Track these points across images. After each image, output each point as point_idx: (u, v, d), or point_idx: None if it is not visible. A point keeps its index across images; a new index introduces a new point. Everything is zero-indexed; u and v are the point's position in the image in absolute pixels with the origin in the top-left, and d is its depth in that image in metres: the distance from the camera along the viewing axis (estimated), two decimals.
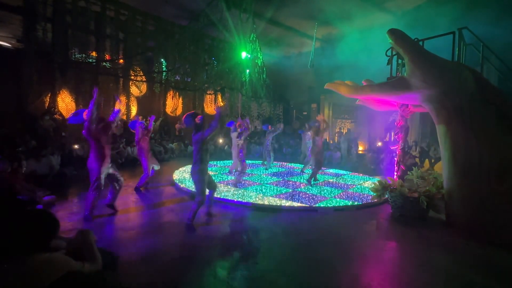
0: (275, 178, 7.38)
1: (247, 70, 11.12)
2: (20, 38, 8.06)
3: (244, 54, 10.54)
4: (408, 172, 5.21)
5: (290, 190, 6.06)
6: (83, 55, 8.98)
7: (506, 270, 3.11)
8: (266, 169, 8.69)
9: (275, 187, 6.30)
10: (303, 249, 3.47)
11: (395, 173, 5.28)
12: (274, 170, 8.68)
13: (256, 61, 10.79)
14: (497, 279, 2.92)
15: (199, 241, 3.56)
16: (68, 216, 4.17)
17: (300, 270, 2.95)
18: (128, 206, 4.77)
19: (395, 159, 5.37)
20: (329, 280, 2.77)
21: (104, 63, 9.86)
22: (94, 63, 9.55)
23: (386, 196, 4.95)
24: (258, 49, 10.61)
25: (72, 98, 9.50)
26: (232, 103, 12.77)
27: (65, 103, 9.53)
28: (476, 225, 3.79)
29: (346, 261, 3.17)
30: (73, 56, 8.87)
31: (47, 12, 8.04)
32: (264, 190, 5.95)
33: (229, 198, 5.22)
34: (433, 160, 8.64)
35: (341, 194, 5.92)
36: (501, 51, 4.83)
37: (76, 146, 7.96)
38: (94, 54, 9.50)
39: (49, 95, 9.10)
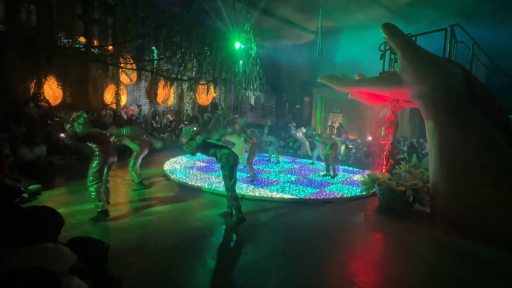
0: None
1: (241, 61, 10.96)
2: (2, 20, 7.64)
3: (237, 45, 10.36)
4: (396, 166, 5.33)
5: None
6: (70, 41, 8.60)
7: (486, 261, 3.25)
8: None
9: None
10: (292, 240, 3.54)
11: (384, 167, 5.39)
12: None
13: (250, 51, 10.64)
14: (477, 269, 3.06)
15: (189, 231, 3.57)
16: (54, 206, 4.08)
17: (289, 260, 3.00)
18: (118, 197, 4.71)
19: (384, 153, 5.47)
20: (317, 269, 2.84)
21: (92, 49, 9.49)
22: (82, 49, 9.18)
23: (375, 189, 5.06)
24: (252, 40, 10.46)
25: (59, 85, 9.16)
26: (224, 95, 12.62)
27: (53, 90, 9.17)
28: (459, 217, 3.92)
29: (334, 251, 3.25)
30: (59, 41, 8.49)
31: None
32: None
33: (220, 189, 5.22)
34: (420, 155, 8.85)
35: (331, 186, 6.03)
36: (490, 49, 4.91)
37: (63, 135, 7.72)
38: (82, 39, 9.12)
39: (34, 81, 8.73)
